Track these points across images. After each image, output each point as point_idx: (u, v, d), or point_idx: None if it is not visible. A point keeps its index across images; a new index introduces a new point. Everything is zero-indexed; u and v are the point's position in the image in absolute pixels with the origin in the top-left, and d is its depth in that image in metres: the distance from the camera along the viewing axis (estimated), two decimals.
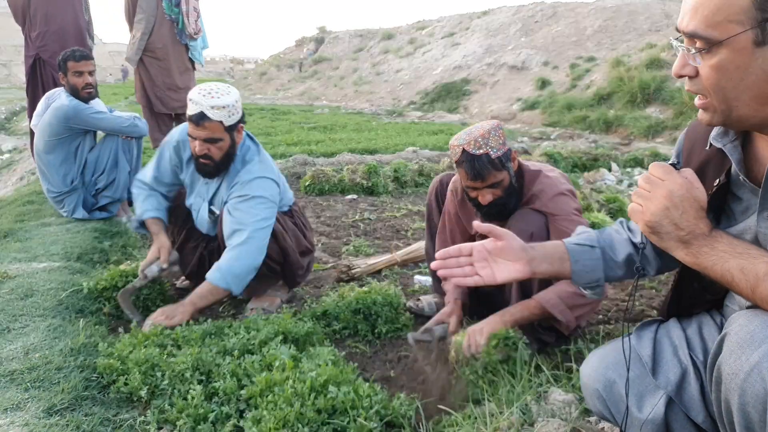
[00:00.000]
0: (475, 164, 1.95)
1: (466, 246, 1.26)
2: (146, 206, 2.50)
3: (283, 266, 2.58)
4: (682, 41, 1.01)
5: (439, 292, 2.57)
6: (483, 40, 16.82)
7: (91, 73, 3.46)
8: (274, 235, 2.42)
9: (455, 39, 18.34)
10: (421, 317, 2.55)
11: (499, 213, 2.08)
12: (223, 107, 2.20)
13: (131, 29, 4.98)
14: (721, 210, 1.12)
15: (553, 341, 2.09)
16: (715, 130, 1.09)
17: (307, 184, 5.16)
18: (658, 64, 10.07)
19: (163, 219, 2.53)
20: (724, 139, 1.08)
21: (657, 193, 1.02)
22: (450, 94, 14.53)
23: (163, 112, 5.03)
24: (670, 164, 1.05)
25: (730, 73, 0.95)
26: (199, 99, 2.20)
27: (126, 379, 1.79)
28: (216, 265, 2.25)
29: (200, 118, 2.19)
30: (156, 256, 2.33)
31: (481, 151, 1.95)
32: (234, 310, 2.57)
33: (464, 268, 1.24)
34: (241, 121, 2.33)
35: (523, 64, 13.86)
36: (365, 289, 2.49)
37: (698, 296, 1.20)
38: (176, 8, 4.88)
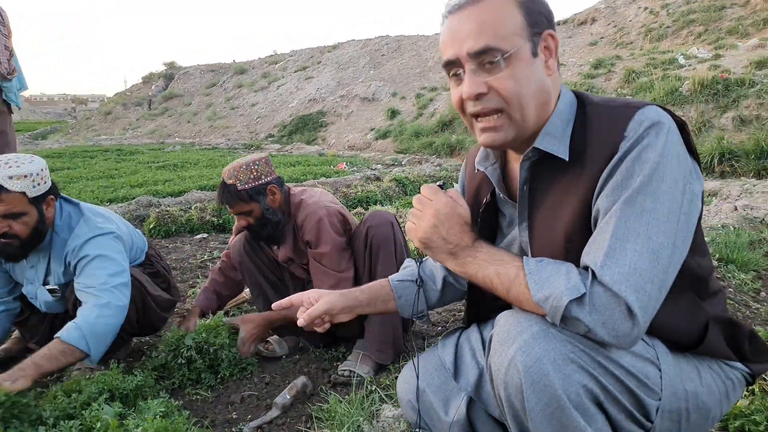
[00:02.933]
0: (223, 192, 2.16)
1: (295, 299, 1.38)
2: None
3: (142, 327, 2.39)
4: (457, 72, 1.08)
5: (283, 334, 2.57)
6: (335, 74, 17.34)
7: None
8: (132, 298, 2.21)
9: (308, 72, 18.68)
10: (273, 359, 2.49)
11: (257, 238, 2.29)
12: (25, 176, 1.98)
13: None
14: (494, 225, 1.27)
15: (390, 362, 2.18)
16: (479, 156, 1.22)
17: (151, 226, 4.87)
18: None
19: None
20: (485, 163, 1.21)
21: (426, 212, 1.12)
22: (307, 126, 14.71)
23: None
24: (438, 185, 1.16)
25: (523, 81, 1.03)
26: None
27: None
28: (72, 324, 1.96)
29: None
30: None
31: (231, 181, 2.14)
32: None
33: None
34: (52, 193, 2.11)
35: (374, 96, 14.50)
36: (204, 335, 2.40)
37: (490, 303, 1.31)
38: None
